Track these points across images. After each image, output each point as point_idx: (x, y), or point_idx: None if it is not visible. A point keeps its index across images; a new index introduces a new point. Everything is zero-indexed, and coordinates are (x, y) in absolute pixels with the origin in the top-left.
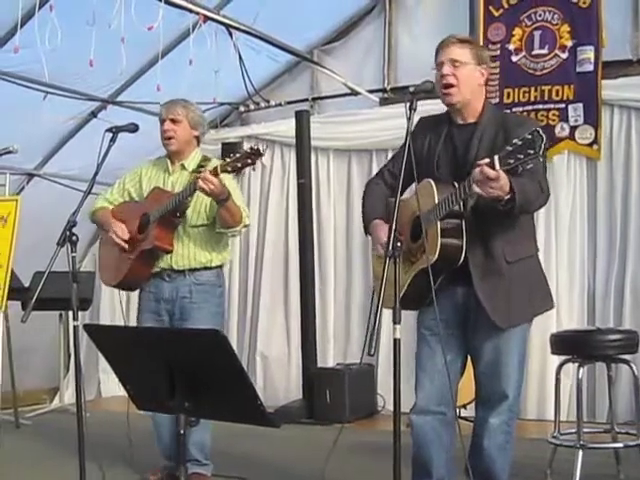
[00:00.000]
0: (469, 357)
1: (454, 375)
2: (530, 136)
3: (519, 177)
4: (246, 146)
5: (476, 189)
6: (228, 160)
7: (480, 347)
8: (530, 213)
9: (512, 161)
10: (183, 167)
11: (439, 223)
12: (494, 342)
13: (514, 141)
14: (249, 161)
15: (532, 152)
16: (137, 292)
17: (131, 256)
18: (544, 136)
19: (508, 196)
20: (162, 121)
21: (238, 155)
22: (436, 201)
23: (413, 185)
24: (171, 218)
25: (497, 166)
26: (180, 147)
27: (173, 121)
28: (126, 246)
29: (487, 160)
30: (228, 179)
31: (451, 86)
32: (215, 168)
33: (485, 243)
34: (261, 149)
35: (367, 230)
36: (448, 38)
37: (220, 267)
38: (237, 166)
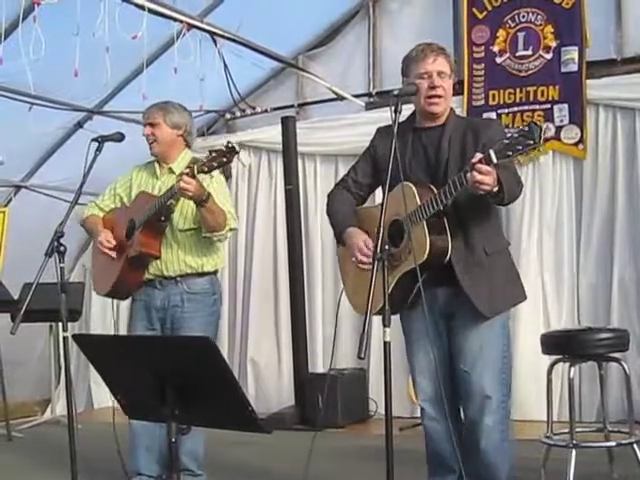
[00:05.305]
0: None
1: (447, 372)
2: (527, 128)
3: (501, 170)
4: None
5: (472, 183)
6: (204, 160)
7: (464, 343)
8: (510, 203)
9: (510, 153)
10: (171, 170)
11: (425, 222)
12: (478, 336)
13: (509, 134)
14: (224, 159)
15: (532, 142)
16: (128, 302)
17: (119, 263)
18: (542, 126)
19: (496, 188)
20: (144, 126)
21: (214, 154)
22: (418, 202)
23: (377, 191)
24: (156, 223)
25: (494, 159)
26: (162, 149)
27: (151, 125)
28: (113, 254)
29: (480, 155)
30: (216, 181)
31: (440, 97)
32: (192, 169)
33: (465, 237)
34: (236, 147)
35: (340, 238)
36: (432, 48)
37: (214, 273)
38: (213, 165)
